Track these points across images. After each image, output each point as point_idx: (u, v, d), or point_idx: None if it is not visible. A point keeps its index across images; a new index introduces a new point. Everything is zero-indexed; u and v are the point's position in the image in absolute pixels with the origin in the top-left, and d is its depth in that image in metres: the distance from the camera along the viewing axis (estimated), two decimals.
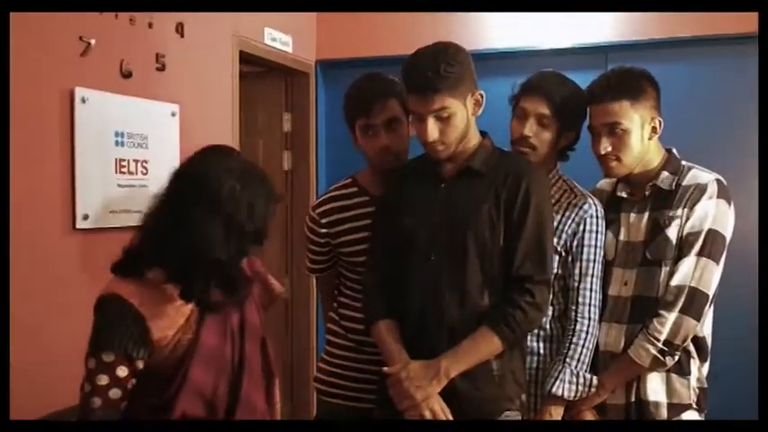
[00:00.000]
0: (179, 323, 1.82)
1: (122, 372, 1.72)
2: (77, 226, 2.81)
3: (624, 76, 2.35)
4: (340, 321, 2.57)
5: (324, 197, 2.59)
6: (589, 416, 2.37)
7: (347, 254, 2.50)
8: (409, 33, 4.23)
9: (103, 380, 1.71)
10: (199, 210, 1.76)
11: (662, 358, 2.24)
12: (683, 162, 2.39)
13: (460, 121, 2.13)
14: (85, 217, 2.84)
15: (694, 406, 2.32)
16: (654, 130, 2.35)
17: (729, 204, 2.30)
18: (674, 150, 2.43)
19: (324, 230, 2.51)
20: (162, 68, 3.27)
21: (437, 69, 2.04)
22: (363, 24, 4.40)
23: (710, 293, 2.26)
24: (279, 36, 4.20)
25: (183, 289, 1.78)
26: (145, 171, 3.16)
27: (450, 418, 2.08)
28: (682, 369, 2.31)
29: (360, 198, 2.51)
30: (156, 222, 1.84)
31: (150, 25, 3.19)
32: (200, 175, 1.82)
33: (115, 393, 1.71)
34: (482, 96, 2.18)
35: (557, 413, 2.33)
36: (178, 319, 1.82)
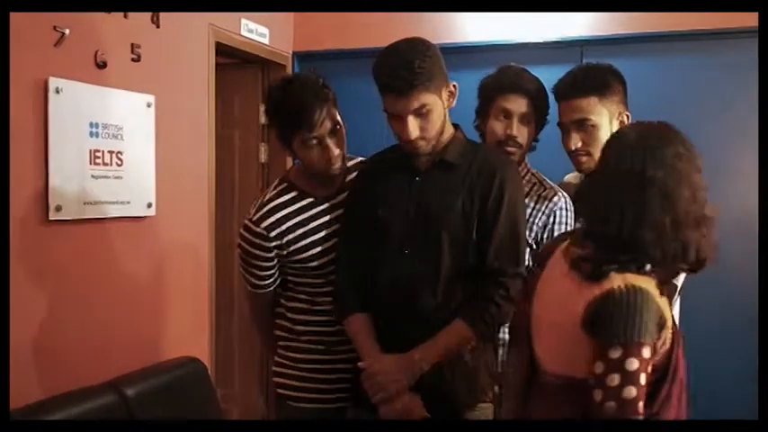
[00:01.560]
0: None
1: (648, 355, 1.59)
2: (50, 217, 2.78)
3: (591, 72, 2.38)
4: (299, 328, 2.50)
5: (265, 209, 2.41)
6: None
7: (301, 260, 2.41)
8: (385, 26, 4.21)
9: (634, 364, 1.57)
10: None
11: None
12: None
13: (438, 116, 2.13)
14: (58, 208, 2.82)
15: None
16: (622, 123, 2.37)
17: None
18: None
19: (274, 243, 2.38)
20: (137, 59, 3.25)
21: (411, 67, 2.03)
22: (340, 17, 4.38)
23: (679, 284, 2.29)
24: (255, 27, 4.18)
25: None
26: (120, 162, 3.13)
27: (424, 411, 2.09)
28: None
29: (304, 201, 2.43)
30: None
31: (125, 15, 3.16)
32: None
33: (643, 379, 1.57)
34: (455, 87, 2.19)
35: None
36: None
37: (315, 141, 2.31)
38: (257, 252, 2.41)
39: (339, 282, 2.32)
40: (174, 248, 3.52)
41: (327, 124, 2.31)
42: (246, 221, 2.43)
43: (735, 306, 3.65)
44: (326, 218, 2.43)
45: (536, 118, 2.46)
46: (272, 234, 2.38)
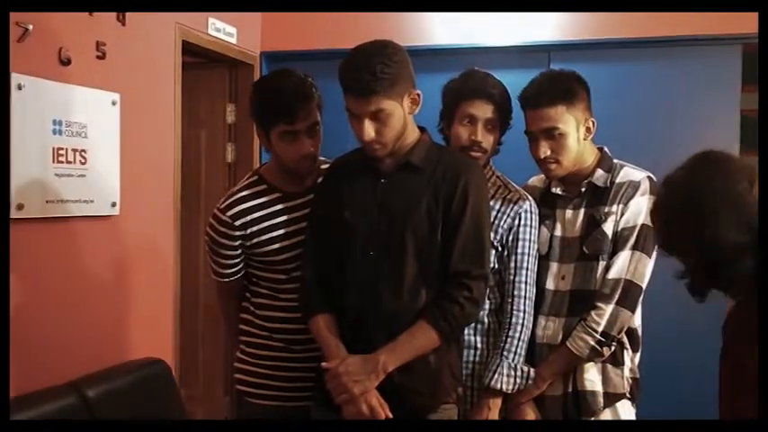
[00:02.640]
0: None
1: None
2: (12, 216, 2.74)
3: (556, 80, 2.40)
4: (263, 324, 2.51)
5: (233, 198, 2.46)
6: (529, 409, 2.41)
7: (264, 253, 2.44)
8: (353, 26, 4.22)
9: None
10: None
11: (599, 349, 2.30)
12: (615, 160, 2.47)
13: (397, 121, 2.14)
14: (20, 207, 2.78)
15: (628, 395, 2.39)
16: (588, 130, 2.41)
17: None
18: (606, 149, 2.50)
19: (238, 233, 2.42)
20: (102, 56, 3.22)
21: (373, 71, 2.04)
22: (309, 17, 4.37)
23: (644, 286, 2.34)
24: (223, 27, 4.16)
25: None
26: (84, 161, 3.10)
27: (389, 412, 2.10)
28: (616, 359, 2.37)
29: (272, 195, 2.46)
30: None
31: (90, 13, 3.13)
32: None
33: None
34: (419, 96, 2.20)
35: (495, 406, 2.37)
36: None
37: (291, 136, 2.34)
38: (222, 240, 2.44)
39: (305, 281, 2.32)
40: (139, 248, 3.49)
41: (307, 120, 2.34)
42: (215, 209, 2.47)
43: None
44: (293, 214, 2.44)
45: (500, 123, 2.49)
46: (237, 223, 2.41)
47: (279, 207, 2.44)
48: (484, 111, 2.44)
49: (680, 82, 3.96)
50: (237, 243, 2.44)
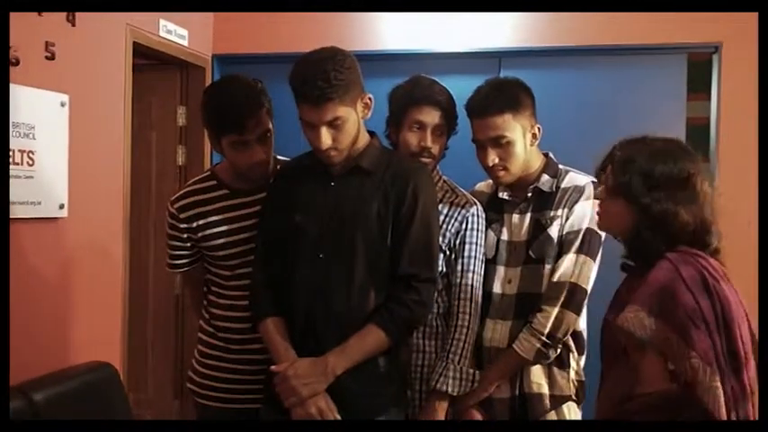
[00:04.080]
0: None
1: None
2: None
3: (502, 88, 2.44)
4: (210, 321, 2.54)
5: (182, 191, 2.55)
6: (476, 412, 2.44)
7: (209, 248, 2.48)
8: (305, 31, 4.24)
9: None
10: None
11: (545, 351, 2.35)
12: (560, 165, 2.52)
13: (352, 127, 2.16)
14: None
15: (573, 397, 2.45)
16: (534, 136, 2.46)
17: None
18: (551, 154, 2.55)
19: (184, 225, 2.48)
20: (51, 57, 3.17)
21: (327, 78, 2.05)
22: (261, 20, 4.37)
23: (588, 289, 2.38)
24: (174, 28, 4.13)
25: None
26: (31, 162, 3.06)
27: (337, 415, 2.11)
28: (562, 362, 2.42)
29: (219, 191, 2.49)
30: None
31: (39, 13, 3.09)
32: None
33: None
34: (371, 100, 2.22)
35: (441, 409, 2.39)
36: None
37: (242, 145, 2.35)
38: (171, 231, 2.53)
39: (254, 284, 2.32)
40: (87, 251, 3.45)
41: (257, 130, 2.34)
42: (168, 202, 2.56)
43: None
44: (239, 212, 2.47)
45: (447, 128, 2.52)
46: (183, 216, 2.48)
47: (225, 203, 2.47)
48: (432, 117, 2.48)
49: (627, 89, 4.04)
50: (185, 236, 2.50)
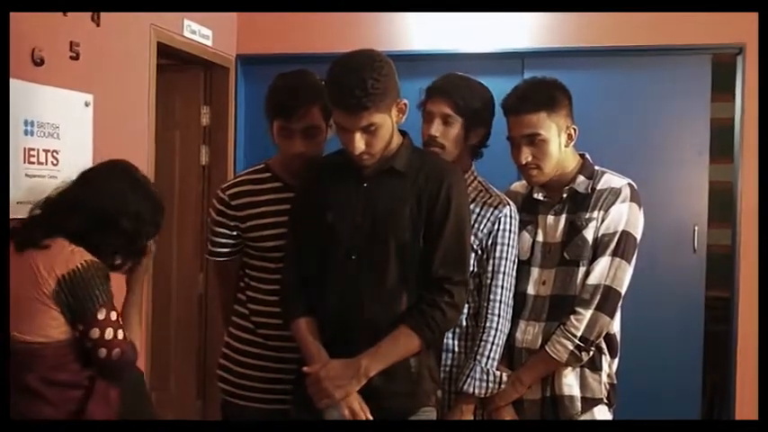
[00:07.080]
0: None
1: None
2: None
3: (539, 87, 2.43)
4: (249, 316, 2.52)
5: (235, 180, 2.57)
6: (507, 412, 2.43)
7: (255, 239, 2.47)
8: (330, 31, 4.24)
9: None
10: None
11: (578, 353, 2.32)
12: (597, 167, 2.49)
13: (386, 132, 2.14)
14: None
15: (605, 401, 2.42)
16: (569, 137, 2.44)
17: (640, 207, 2.41)
18: (588, 155, 2.52)
19: (233, 213, 2.48)
20: (76, 57, 3.18)
21: (365, 87, 2.02)
22: (285, 20, 4.36)
23: (623, 292, 2.35)
24: (198, 29, 4.13)
25: None
26: (55, 162, 3.07)
27: (369, 416, 2.10)
28: (594, 365, 2.40)
29: (272, 184, 2.50)
30: None
31: (65, 12, 3.09)
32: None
33: None
34: (406, 105, 2.20)
35: (468, 410, 2.39)
36: None
37: (287, 132, 2.39)
38: (217, 217, 2.53)
39: (286, 283, 2.31)
40: None
41: (303, 121, 2.37)
42: (218, 189, 2.58)
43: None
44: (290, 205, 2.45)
45: (464, 120, 2.45)
46: (234, 203, 2.49)
47: (276, 196, 2.47)
48: (439, 107, 2.45)
49: (651, 91, 4.02)
50: (232, 224, 2.50)
